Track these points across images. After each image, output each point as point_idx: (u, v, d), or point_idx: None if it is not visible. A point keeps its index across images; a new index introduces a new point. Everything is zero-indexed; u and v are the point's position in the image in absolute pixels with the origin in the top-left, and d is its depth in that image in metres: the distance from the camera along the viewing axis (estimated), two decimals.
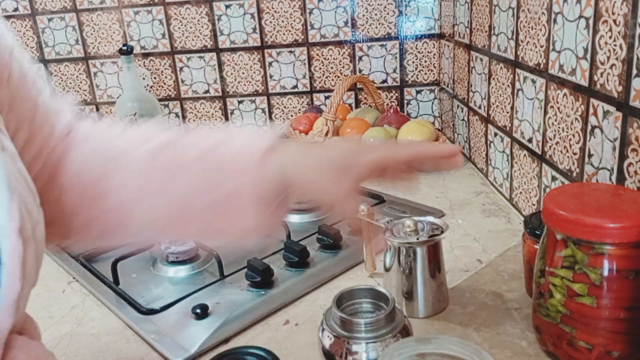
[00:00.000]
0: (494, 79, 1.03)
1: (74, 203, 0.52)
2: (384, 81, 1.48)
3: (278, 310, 0.71)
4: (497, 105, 1.02)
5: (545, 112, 0.82)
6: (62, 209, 0.52)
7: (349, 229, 0.88)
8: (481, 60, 1.09)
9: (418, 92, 1.49)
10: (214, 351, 0.63)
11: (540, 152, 0.85)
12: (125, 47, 1.42)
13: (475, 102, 1.16)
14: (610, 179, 0.65)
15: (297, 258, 0.80)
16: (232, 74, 1.52)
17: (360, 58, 1.47)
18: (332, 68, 1.48)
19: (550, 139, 0.81)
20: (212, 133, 0.54)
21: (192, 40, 1.49)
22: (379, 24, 1.44)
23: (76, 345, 0.67)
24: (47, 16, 1.51)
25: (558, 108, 0.77)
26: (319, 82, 1.50)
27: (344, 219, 0.64)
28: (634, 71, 0.58)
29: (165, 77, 1.54)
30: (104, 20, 1.50)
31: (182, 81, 1.54)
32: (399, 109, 1.39)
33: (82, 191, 0.52)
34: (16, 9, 1.51)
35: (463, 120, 1.26)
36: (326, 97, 1.51)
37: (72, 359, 0.65)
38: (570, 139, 0.74)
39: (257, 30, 1.47)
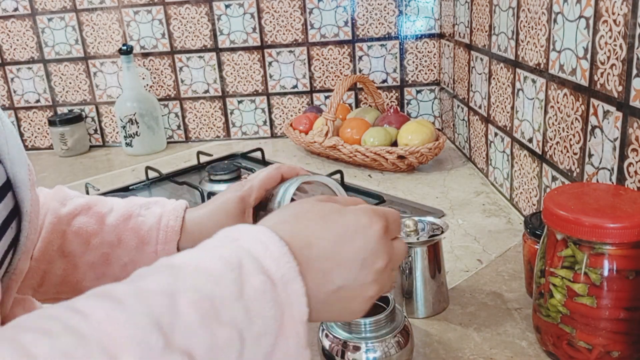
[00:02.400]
0: (494, 78, 1.03)
1: None
2: (384, 81, 1.48)
3: None
4: (498, 105, 1.02)
5: (546, 112, 0.82)
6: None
7: None
8: (481, 60, 1.09)
9: (418, 92, 1.49)
10: None
11: (540, 152, 0.85)
12: (125, 47, 1.42)
13: (475, 102, 1.16)
14: (610, 179, 0.65)
15: None
16: (231, 73, 1.52)
17: (360, 58, 1.47)
18: (332, 68, 1.48)
19: (551, 139, 0.81)
20: (123, 204, 0.60)
21: (192, 40, 1.49)
22: (379, 23, 1.44)
23: None
24: (47, 16, 1.51)
25: (558, 108, 0.77)
26: (319, 82, 1.50)
27: None
28: (634, 71, 0.58)
29: (165, 77, 1.54)
30: (104, 20, 1.50)
31: (182, 81, 1.54)
32: (399, 108, 1.38)
33: None
34: (16, 9, 1.51)
35: (463, 120, 1.26)
36: (326, 97, 1.51)
37: None
38: (570, 139, 0.74)
39: (257, 30, 1.47)
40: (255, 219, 0.57)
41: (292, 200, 0.53)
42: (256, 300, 0.33)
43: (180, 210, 0.58)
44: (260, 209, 0.57)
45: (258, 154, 1.33)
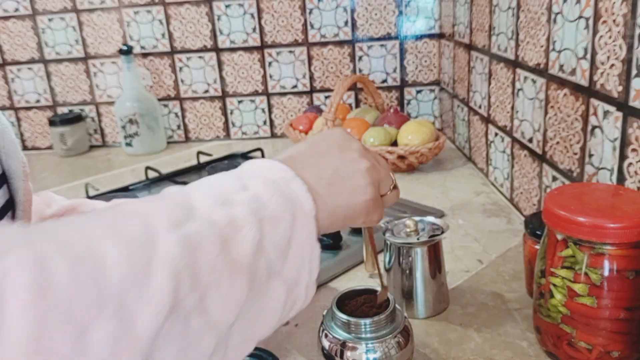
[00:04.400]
0: (494, 78, 1.03)
1: None
2: (384, 81, 1.48)
3: None
4: (498, 105, 1.02)
5: (546, 112, 0.82)
6: None
7: (348, 229, 0.88)
8: (481, 60, 1.09)
9: (418, 92, 1.49)
10: None
11: (540, 152, 0.85)
12: (125, 47, 1.42)
13: (475, 102, 1.16)
14: (610, 179, 0.65)
15: None
16: (231, 73, 1.52)
17: (360, 58, 1.47)
18: (332, 68, 1.48)
19: (551, 139, 0.81)
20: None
21: (192, 40, 1.49)
22: (379, 23, 1.44)
23: None
24: (47, 16, 1.51)
25: (558, 108, 0.77)
26: (319, 82, 1.50)
27: None
28: (634, 71, 0.58)
29: (165, 77, 1.54)
30: (104, 20, 1.50)
31: (182, 81, 1.54)
32: (399, 108, 1.39)
33: None
34: (17, 9, 1.51)
35: (463, 120, 1.26)
36: (326, 97, 1.51)
37: None
38: (570, 139, 0.74)
39: (257, 30, 1.47)
40: None
41: None
42: (264, 191, 0.37)
43: None
44: None
45: (258, 154, 1.33)
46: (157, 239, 0.29)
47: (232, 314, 0.32)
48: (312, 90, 1.51)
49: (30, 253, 0.24)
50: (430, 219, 0.70)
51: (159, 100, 1.55)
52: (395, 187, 0.50)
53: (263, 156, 1.31)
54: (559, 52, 0.75)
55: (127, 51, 1.42)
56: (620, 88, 0.61)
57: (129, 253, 0.28)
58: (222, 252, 0.32)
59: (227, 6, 1.46)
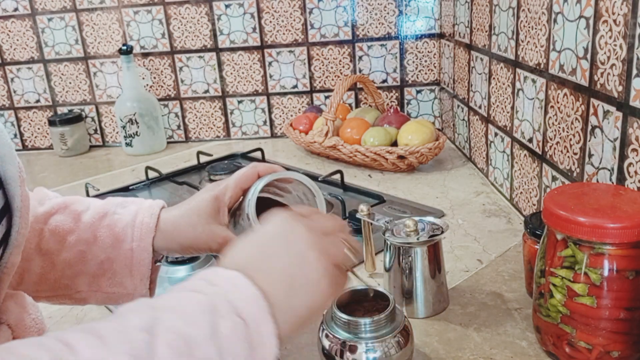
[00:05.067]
0: (494, 78, 1.03)
1: None
2: (384, 81, 1.48)
3: None
4: (498, 105, 1.02)
5: (546, 112, 0.82)
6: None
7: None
8: (481, 60, 1.09)
9: (418, 91, 1.49)
10: None
11: (540, 152, 0.85)
12: (124, 47, 1.42)
13: (475, 102, 1.16)
14: (610, 179, 0.65)
15: None
16: (231, 73, 1.52)
17: (360, 58, 1.47)
18: (332, 68, 1.48)
19: (551, 139, 0.81)
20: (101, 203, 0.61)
21: (192, 40, 1.49)
22: (379, 23, 1.43)
23: None
24: (47, 16, 1.51)
25: (558, 108, 0.77)
26: (319, 82, 1.50)
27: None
28: (634, 71, 0.58)
29: (165, 77, 1.54)
30: (104, 20, 1.50)
31: (182, 81, 1.54)
32: (399, 108, 1.38)
33: None
34: (16, 9, 1.51)
35: (463, 120, 1.26)
36: (326, 97, 1.51)
37: None
38: (570, 139, 0.74)
39: (257, 30, 1.47)
40: (231, 217, 0.57)
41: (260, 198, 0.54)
42: (229, 339, 0.35)
43: (156, 208, 0.58)
44: (236, 207, 0.57)
45: (258, 154, 1.33)
46: None
47: None
48: (312, 90, 1.51)
49: None
50: (430, 218, 0.70)
51: (159, 100, 1.55)
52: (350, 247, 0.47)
53: (263, 156, 1.31)
54: (559, 52, 0.75)
55: (127, 51, 1.42)
56: (620, 88, 0.61)
57: None
58: None
59: (227, 6, 1.46)
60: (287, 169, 0.59)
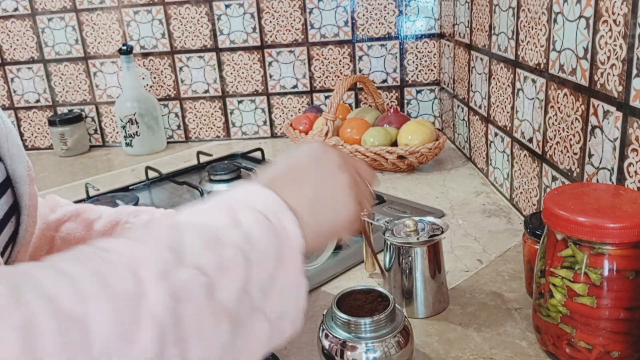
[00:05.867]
0: (494, 78, 1.03)
1: None
2: (384, 81, 1.48)
3: None
4: (498, 105, 1.02)
5: (546, 112, 0.82)
6: None
7: None
8: (481, 60, 1.09)
9: (418, 91, 1.49)
10: None
11: (540, 152, 0.85)
12: (124, 47, 1.42)
13: (475, 102, 1.16)
14: (610, 179, 0.65)
15: None
16: (231, 73, 1.52)
17: (360, 58, 1.47)
18: (332, 68, 1.48)
19: (551, 139, 0.81)
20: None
21: (192, 40, 1.49)
22: (379, 23, 1.44)
23: None
24: (47, 16, 1.51)
25: (558, 108, 0.77)
26: (319, 82, 1.50)
27: None
28: (634, 71, 0.58)
29: (165, 77, 1.54)
30: (104, 20, 1.50)
31: (182, 81, 1.54)
32: (399, 108, 1.38)
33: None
34: (16, 9, 1.51)
35: (463, 120, 1.26)
36: (326, 97, 1.51)
37: None
38: (570, 139, 0.74)
39: (257, 30, 1.47)
40: None
41: None
42: (253, 228, 0.37)
43: None
44: None
45: (258, 154, 1.33)
46: (145, 292, 0.29)
47: (215, 356, 0.33)
48: (312, 90, 1.51)
49: (21, 318, 0.25)
50: (430, 219, 0.70)
51: (159, 100, 1.55)
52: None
53: (263, 156, 1.31)
54: (559, 52, 0.75)
55: (127, 51, 1.42)
56: (620, 88, 0.61)
57: (116, 311, 0.28)
58: (207, 300, 0.32)
59: (227, 6, 1.46)
60: None
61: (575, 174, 0.74)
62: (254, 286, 0.35)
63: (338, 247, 0.85)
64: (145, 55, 1.52)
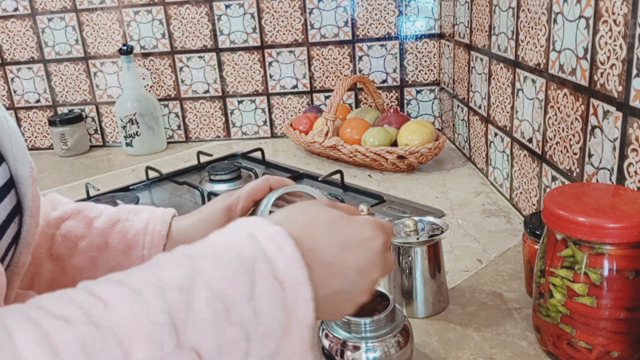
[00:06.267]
0: (494, 79, 1.03)
1: None
2: (384, 81, 1.48)
3: None
4: (497, 105, 1.02)
5: (546, 112, 0.82)
6: None
7: None
8: (481, 60, 1.09)
9: (418, 92, 1.49)
10: None
11: (540, 152, 0.85)
12: (125, 47, 1.42)
13: (475, 102, 1.16)
14: (610, 179, 0.65)
15: None
16: (232, 73, 1.52)
17: (360, 58, 1.47)
18: (332, 68, 1.48)
19: (551, 139, 0.81)
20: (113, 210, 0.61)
21: (192, 40, 1.49)
22: (379, 24, 1.44)
23: None
24: (47, 16, 1.51)
25: (558, 108, 0.77)
26: (319, 82, 1.50)
27: None
28: (634, 71, 0.58)
29: (165, 77, 1.54)
30: (104, 20, 1.50)
31: (182, 81, 1.54)
32: (399, 108, 1.38)
33: None
34: (16, 9, 1.51)
35: (463, 120, 1.26)
36: (326, 97, 1.51)
37: None
38: (570, 139, 0.74)
39: (257, 30, 1.47)
40: None
41: (271, 212, 0.55)
42: (265, 302, 0.34)
43: (167, 216, 0.59)
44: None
45: (258, 154, 1.33)
46: None
47: None
48: (312, 90, 1.51)
49: None
50: (430, 218, 0.70)
51: (159, 100, 1.55)
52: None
53: (263, 156, 1.31)
54: (559, 52, 0.76)
55: (127, 51, 1.42)
56: (620, 88, 0.61)
57: None
58: None
59: (227, 6, 1.46)
60: (289, 170, 0.60)
61: (575, 174, 0.74)
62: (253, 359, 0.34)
63: None
64: (146, 55, 1.52)
